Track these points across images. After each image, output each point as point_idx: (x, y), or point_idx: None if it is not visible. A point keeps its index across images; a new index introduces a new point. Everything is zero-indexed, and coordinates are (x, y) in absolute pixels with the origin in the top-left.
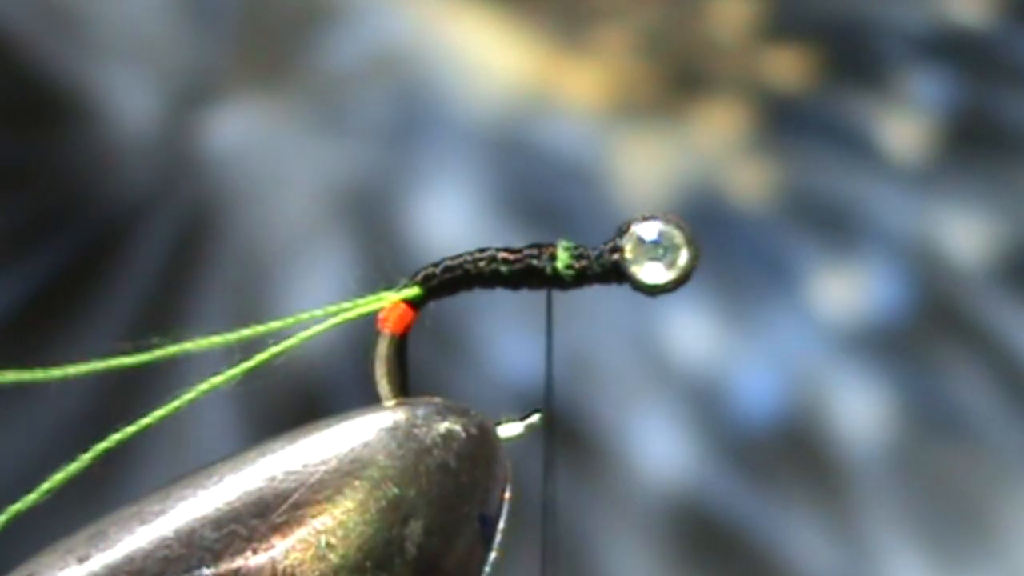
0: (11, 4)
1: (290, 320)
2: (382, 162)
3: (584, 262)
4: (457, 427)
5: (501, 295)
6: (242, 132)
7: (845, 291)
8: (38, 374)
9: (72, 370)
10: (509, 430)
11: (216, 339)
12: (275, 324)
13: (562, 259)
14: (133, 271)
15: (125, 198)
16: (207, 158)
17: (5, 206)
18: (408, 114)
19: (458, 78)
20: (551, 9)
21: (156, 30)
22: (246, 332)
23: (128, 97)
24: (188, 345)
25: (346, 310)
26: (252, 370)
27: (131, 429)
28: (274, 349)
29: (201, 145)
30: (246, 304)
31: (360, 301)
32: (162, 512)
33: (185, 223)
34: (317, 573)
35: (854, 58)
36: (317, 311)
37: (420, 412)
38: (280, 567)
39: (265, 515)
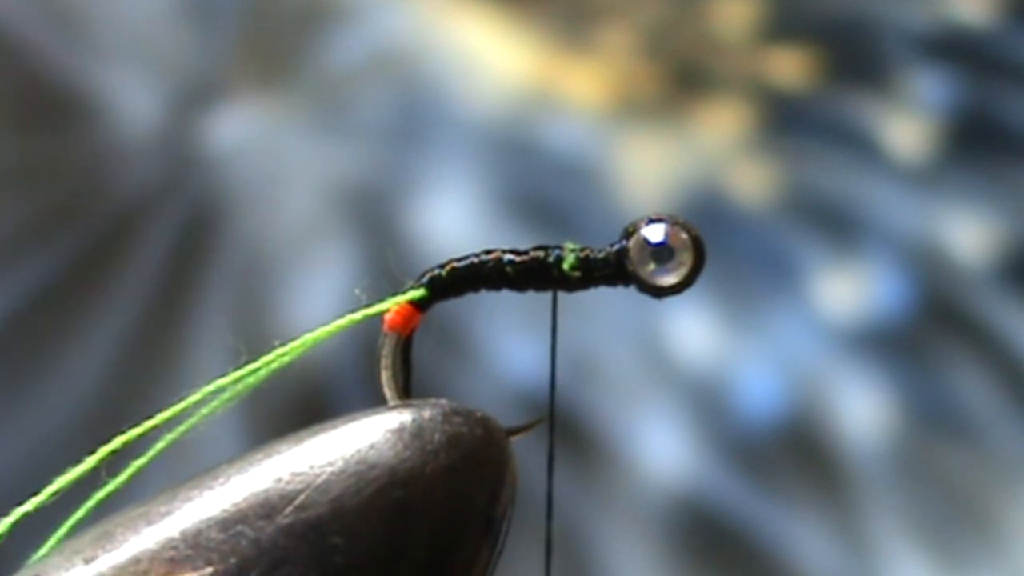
0: (15, 4)
1: (297, 345)
2: (385, 162)
3: (590, 264)
4: (463, 429)
5: (505, 296)
6: (245, 131)
7: (848, 290)
8: None
9: None
10: (514, 432)
11: (223, 380)
12: (282, 351)
13: (568, 261)
14: (136, 270)
15: (128, 197)
16: (210, 157)
17: (9, 205)
18: (411, 114)
19: (461, 78)
20: (554, 8)
21: (159, 30)
22: (253, 366)
23: (131, 96)
24: (195, 397)
25: (351, 313)
26: (254, 373)
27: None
28: (281, 351)
29: (204, 144)
30: (249, 303)
31: (365, 304)
32: (168, 513)
33: (188, 222)
34: None
35: (856, 57)
36: (324, 328)
37: (426, 414)
38: (285, 569)
39: (271, 516)
